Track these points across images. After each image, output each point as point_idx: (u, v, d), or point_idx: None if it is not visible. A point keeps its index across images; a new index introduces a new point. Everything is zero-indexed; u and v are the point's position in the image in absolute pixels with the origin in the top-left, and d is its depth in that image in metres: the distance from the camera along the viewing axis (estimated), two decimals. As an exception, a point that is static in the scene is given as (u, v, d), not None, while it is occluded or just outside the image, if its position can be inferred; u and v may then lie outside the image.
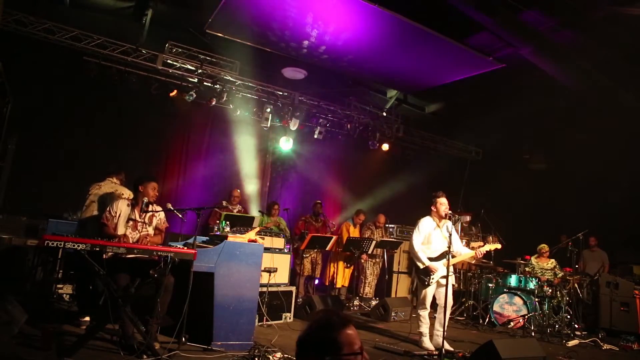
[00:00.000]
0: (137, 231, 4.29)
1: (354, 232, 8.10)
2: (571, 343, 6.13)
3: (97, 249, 3.50)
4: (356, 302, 7.79)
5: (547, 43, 7.25)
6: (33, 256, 5.63)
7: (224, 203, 7.46)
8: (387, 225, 8.70)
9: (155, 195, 4.35)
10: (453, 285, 5.30)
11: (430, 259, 5.18)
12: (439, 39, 6.89)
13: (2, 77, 5.33)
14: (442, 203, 5.26)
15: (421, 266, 5.16)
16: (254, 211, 8.45)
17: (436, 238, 5.26)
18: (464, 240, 8.17)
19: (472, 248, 5.49)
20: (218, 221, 5.51)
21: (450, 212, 5.21)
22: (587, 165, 9.19)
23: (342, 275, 7.98)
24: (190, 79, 8.07)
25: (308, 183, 10.18)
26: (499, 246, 5.57)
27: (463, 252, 5.35)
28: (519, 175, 11.01)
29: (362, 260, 7.93)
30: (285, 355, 4.15)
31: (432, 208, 5.33)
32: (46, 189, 7.06)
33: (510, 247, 7.60)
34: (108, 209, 4.34)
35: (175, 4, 7.61)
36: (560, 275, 7.23)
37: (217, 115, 8.94)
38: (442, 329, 5.05)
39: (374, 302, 7.73)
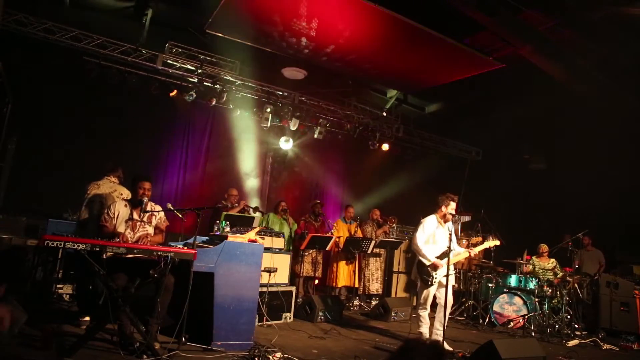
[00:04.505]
0: (136, 231, 4.29)
1: (344, 227, 8.11)
2: (571, 343, 6.13)
3: (97, 249, 3.49)
4: (356, 302, 7.79)
5: (547, 43, 7.26)
6: (33, 256, 5.62)
7: (223, 202, 7.45)
8: (386, 221, 8.66)
9: (148, 194, 4.34)
10: (453, 285, 5.32)
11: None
12: (439, 39, 6.89)
13: (2, 77, 5.32)
14: (453, 207, 5.29)
15: (427, 263, 5.15)
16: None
17: (440, 237, 5.27)
18: (464, 240, 8.19)
19: (473, 246, 5.52)
20: (218, 221, 5.50)
21: (453, 214, 5.26)
22: (587, 165, 9.18)
23: (342, 275, 7.97)
24: (190, 79, 8.08)
25: (308, 183, 10.18)
26: (497, 242, 5.60)
27: (458, 252, 5.38)
28: (519, 175, 11.01)
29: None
30: (285, 355, 4.15)
31: (442, 208, 5.31)
32: (46, 189, 7.07)
33: (510, 247, 7.60)
34: (106, 210, 4.35)
35: (175, 4, 7.62)
36: (560, 275, 7.23)
37: (217, 115, 8.95)
38: (441, 329, 5.06)
39: (374, 302, 7.74)
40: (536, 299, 6.79)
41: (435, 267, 5.11)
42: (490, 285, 7.65)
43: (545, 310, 6.77)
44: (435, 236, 5.28)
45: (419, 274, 5.26)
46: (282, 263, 6.08)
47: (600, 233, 8.44)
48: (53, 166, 7.18)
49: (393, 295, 8.13)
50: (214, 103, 8.20)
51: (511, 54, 7.55)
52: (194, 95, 7.91)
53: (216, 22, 6.96)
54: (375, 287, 8.17)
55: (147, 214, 4.38)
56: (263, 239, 5.71)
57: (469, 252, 5.41)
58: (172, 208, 4.50)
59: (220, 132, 9.08)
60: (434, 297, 5.30)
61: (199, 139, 9.02)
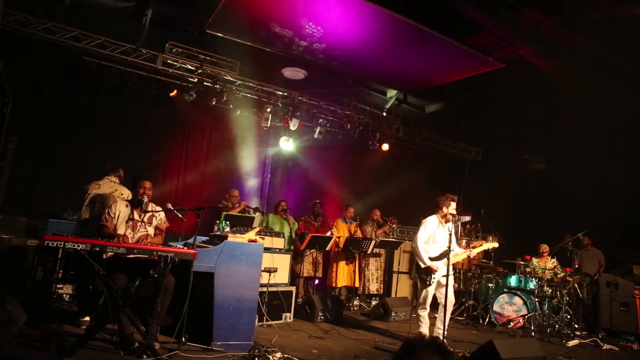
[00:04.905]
0: (136, 231, 4.29)
1: (344, 227, 8.11)
2: (571, 343, 6.13)
3: (97, 249, 3.49)
4: (356, 302, 7.79)
5: (547, 43, 7.26)
6: (33, 256, 5.62)
7: (224, 202, 7.46)
8: (386, 221, 8.65)
9: (149, 194, 4.34)
10: (453, 285, 5.33)
11: (432, 258, 5.19)
12: (439, 39, 6.89)
13: (2, 77, 5.32)
14: (454, 207, 5.31)
15: (422, 265, 5.17)
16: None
17: (440, 237, 5.28)
18: (464, 241, 8.19)
19: (474, 247, 5.54)
20: (218, 221, 5.50)
21: (454, 214, 5.27)
22: (587, 165, 9.19)
23: (342, 275, 7.97)
24: (190, 79, 8.07)
25: (308, 183, 10.18)
26: (496, 244, 5.61)
27: (457, 252, 5.38)
28: (519, 175, 11.01)
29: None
30: (285, 355, 4.15)
31: (443, 209, 5.32)
32: (46, 189, 7.06)
33: (510, 247, 7.60)
34: (107, 210, 4.35)
35: (175, 4, 7.61)
36: (561, 275, 7.23)
37: (217, 115, 8.94)
38: (442, 328, 5.06)
39: (374, 302, 7.74)
40: (536, 299, 6.79)
41: (430, 270, 5.12)
42: (490, 285, 7.65)
43: (545, 310, 6.77)
44: (436, 236, 5.29)
45: (418, 273, 5.28)
46: (282, 263, 6.09)
47: (600, 233, 8.44)
48: (53, 166, 7.17)
49: (393, 295, 8.13)
50: (214, 103, 8.20)
51: (511, 54, 7.55)
52: (194, 95, 7.91)
53: (216, 22, 6.96)
54: (375, 287, 8.18)
55: (148, 215, 4.39)
56: (263, 239, 5.71)
57: (468, 254, 5.42)
58: (172, 208, 4.50)
59: (220, 132, 9.07)
60: (435, 297, 5.31)
61: (199, 139, 9.01)
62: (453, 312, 7.74)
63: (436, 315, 5.30)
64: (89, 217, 4.99)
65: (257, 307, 4.66)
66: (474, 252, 5.47)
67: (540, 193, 10.42)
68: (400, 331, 5.97)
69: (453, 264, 5.23)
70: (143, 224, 4.34)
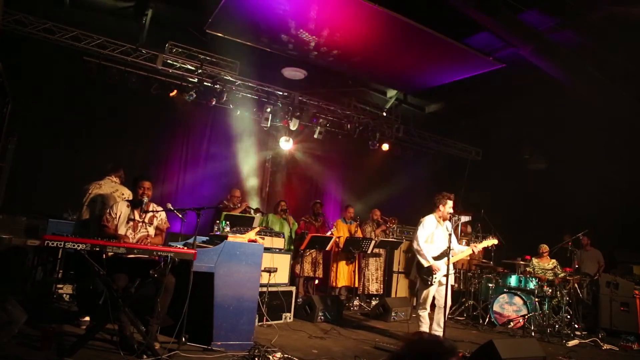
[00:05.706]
0: (137, 231, 4.29)
1: (344, 227, 8.11)
2: (571, 343, 6.13)
3: (97, 249, 3.49)
4: (356, 302, 7.79)
5: (547, 43, 7.26)
6: (33, 256, 5.63)
7: (225, 202, 7.46)
8: (386, 221, 8.64)
9: (148, 194, 4.35)
10: (452, 285, 5.32)
11: (434, 258, 5.18)
12: (439, 39, 6.90)
13: (2, 77, 5.32)
14: (451, 205, 5.31)
15: (425, 264, 5.16)
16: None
17: (439, 236, 5.27)
18: (463, 241, 8.18)
19: (475, 246, 5.53)
20: (218, 221, 5.50)
21: (451, 212, 5.27)
22: (587, 165, 9.18)
23: (342, 275, 7.97)
24: (190, 79, 8.08)
25: (308, 183, 10.19)
26: (495, 241, 5.60)
27: (460, 250, 5.38)
28: (519, 175, 11.01)
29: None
30: (285, 355, 4.15)
31: (440, 207, 5.32)
32: (46, 189, 7.07)
33: (510, 247, 7.59)
34: (108, 210, 4.35)
35: (175, 4, 7.62)
36: (561, 275, 7.23)
37: (217, 115, 8.95)
38: (441, 329, 5.06)
39: (374, 302, 7.74)
40: (536, 299, 6.79)
41: (433, 269, 5.11)
42: (490, 285, 7.64)
43: (545, 310, 6.77)
44: (434, 236, 5.28)
45: (419, 273, 5.26)
46: (282, 263, 6.08)
47: (600, 233, 8.44)
48: (53, 166, 7.18)
49: (393, 295, 8.13)
50: (214, 103, 8.21)
51: (511, 54, 7.55)
52: (194, 95, 7.92)
53: (216, 22, 6.97)
54: (375, 287, 8.18)
55: (149, 215, 4.39)
56: (263, 239, 5.71)
57: (472, 250, 5.40)
58: (172, 208, 4.50)
59: (220, 132, 9.08)
60: (433, 297, 5.30)
61: (199, 139, 9.03)
62: (453, 312, 7.75)
63: (434, 316, 5.29)
64: (89, 217, 4.99)
65: (257, 307, 4.65)
66: (478, 248, 5.45)
67: (540, 193, 10.41)
68: (400, 331, 5.98)
69: (452, 264, 5.23)
70: (144, 224, 4.34)
